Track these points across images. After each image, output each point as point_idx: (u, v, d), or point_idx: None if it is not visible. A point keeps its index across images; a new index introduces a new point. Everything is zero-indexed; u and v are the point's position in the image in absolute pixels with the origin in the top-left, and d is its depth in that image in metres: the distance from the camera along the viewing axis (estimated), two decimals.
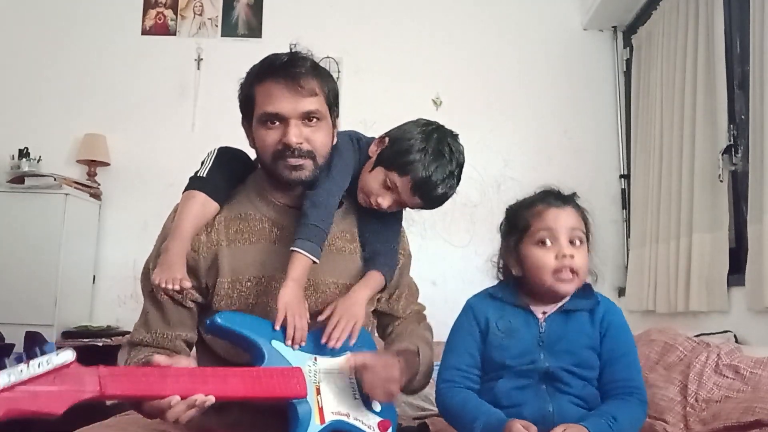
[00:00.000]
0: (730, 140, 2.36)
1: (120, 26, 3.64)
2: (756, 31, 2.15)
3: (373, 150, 1.28)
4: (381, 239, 1.30)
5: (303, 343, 1.11)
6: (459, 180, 1.27)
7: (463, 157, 1.27)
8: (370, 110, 3.23)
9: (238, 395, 1.01)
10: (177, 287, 1.11)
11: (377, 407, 1.17)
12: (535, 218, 1.20)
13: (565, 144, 3.49)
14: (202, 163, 1.30)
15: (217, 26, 3.66)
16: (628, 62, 3.45)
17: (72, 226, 3.18)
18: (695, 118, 2.53)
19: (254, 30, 3.64)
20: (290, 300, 1.10)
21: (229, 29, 3.65)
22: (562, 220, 1.19)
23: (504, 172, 3.41)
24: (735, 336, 2.10)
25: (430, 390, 1.61)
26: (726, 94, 2.38)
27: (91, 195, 3.39)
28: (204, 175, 1.25)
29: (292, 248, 1.14)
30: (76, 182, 3.32)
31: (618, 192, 3.45)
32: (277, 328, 1.09)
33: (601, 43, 3.59)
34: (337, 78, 3.52)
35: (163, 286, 1.11)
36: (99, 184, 3.46)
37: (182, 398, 0.93)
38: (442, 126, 1.29)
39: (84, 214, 3.35)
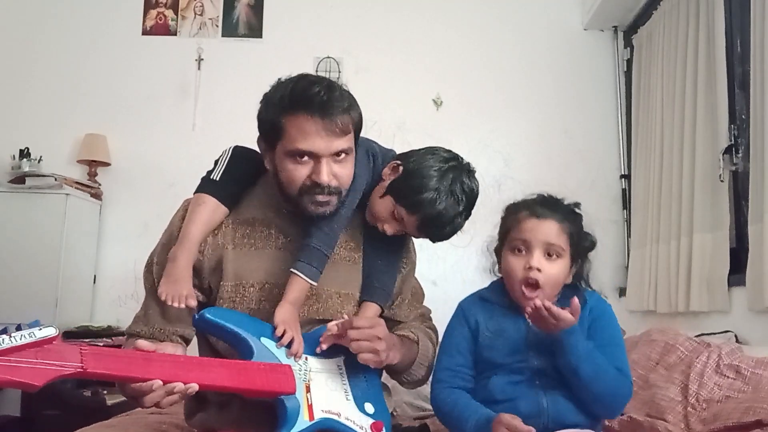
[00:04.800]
0: (730, 140, 2.36)
1: (120, 26, 3.65)
2: (756, 30, 2.15)
3: (387, 173, 1.25)
4: (382, 254, 1.30)
5: (299, 357, 1.13)
6: (469, 215, 1.25)
7: (476, 193, 1.25)
8: (370, 110, 3.20)
9: (223, 385, 1.02)
10: (183, 305, 1.12)
11: (370, 409, 1.17)
12: (515, 226, 1.23)
13: (565, 144, 3.49)
14: (216, 162, 1.29)
15: (217, 26, 3.66)
16: (629, 62, 3.45)
17: (73, 226, 3.19)
18: (696, 118, 2.53)
19: (255, 30, 3.64)
20: (286, 318, 1.13)
21: (229, 29, 3.65)
22: (539, 232, 1.20)
23: (504, 172, 3.41)
24: (736, 336, 2.10)
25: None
26: (726, 93, 2.38)
27: (92, 195, 3.39)
28: (217, 179, 1.25)
29: (291, 270, 1.16)
30: (76, 182, 3.32)
31: (618, 192, 3.44)
32: (276, 337, 1.11)
33: (602, 43, 3.59)
34: (338, 78, 3.52)
35: (169, 303, 1.12)
36: (100, 185, 3.46)
37: (164, 383, 0.94)
38: (461, 162, 1.25)
39: (85, 214, 3.35)
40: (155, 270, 1.22)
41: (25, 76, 3.61)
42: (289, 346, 1.12)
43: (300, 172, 1.13)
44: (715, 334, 2.13)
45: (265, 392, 1.06)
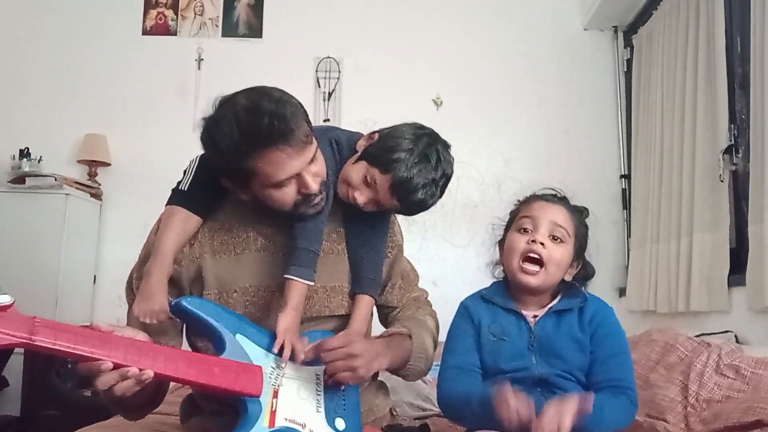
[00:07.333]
0: (730, 140, 2.36)
1: (121, 26, 3.65)
2: (756, 30, 2.15)
3: (362, 144, 1.24)
4: (365, 241, 1.28)
5: (300, 361, 1.09)
6: (442, 191, 1.22)
7: (451, 169, 1.23)
8: (370, 110, 3.24)
9: (183, 378, 0.97)
10: (155, 321, 1.10)
11: (341, 425, 1.11)
12: (524, 207, 1.24)
13: (565, 144, 3.49)
14: (185, 172, 1.28)
15: (217, 26, 3.67)
16: (629, 62, 3.46)
17: (73, 226, 3.19)
18: (696, 118, 2.53)
19: (255, 30, 3.64)
20: (289, 327, 1.10)
21: (229, 29, 3.66)
22: (547, 211, 1.20)
23: (504, 172, 3.41)
24: (735, 336, 2.11)
25: (431, 390, 1.59)
26: (727, 93, 2.38)
27: (92, 195, 3.39)
28: (185, 189, 1.24)
29: (285, 275, 1.14)
30: (76, 182, 3.32)
31: (618, 192, 3.45)
32: (275, 351, 1.08)
33: (602, 43, 3.59)
34: (338, 78, 3.53)
35: (142, 320, 1.09)
36: (100, 184, 3.47)
37: (116, 366, 0.89)
38: (436, 133, 1.24)
39: (85, 214, 3.35)
40: (135, 285, 1.21)
41: (25, 76, 3.61)
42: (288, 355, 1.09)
43: (289, 194, 1.13)
44: (715, 334, 2.13)
45: (228, 391, 1.01)
